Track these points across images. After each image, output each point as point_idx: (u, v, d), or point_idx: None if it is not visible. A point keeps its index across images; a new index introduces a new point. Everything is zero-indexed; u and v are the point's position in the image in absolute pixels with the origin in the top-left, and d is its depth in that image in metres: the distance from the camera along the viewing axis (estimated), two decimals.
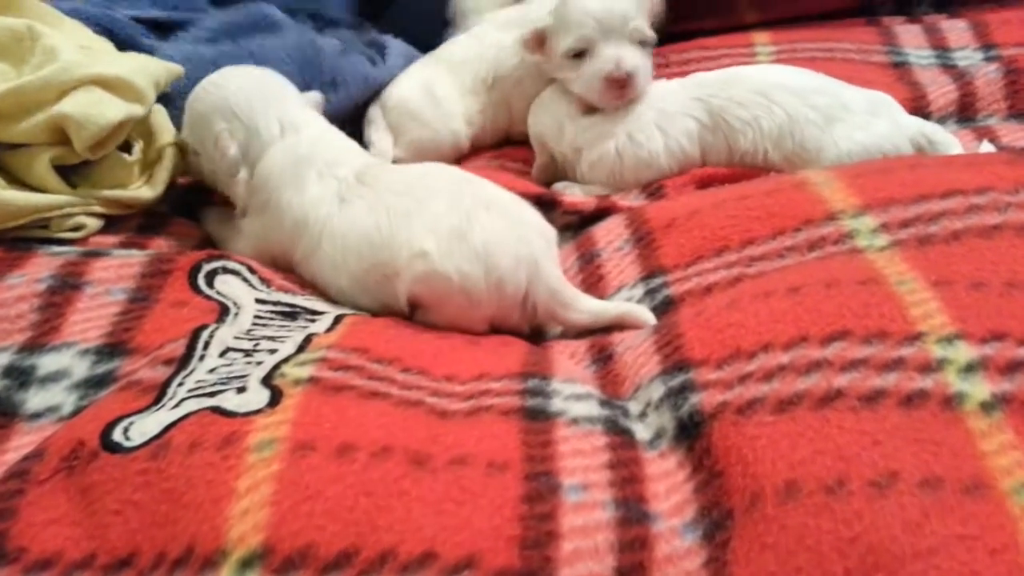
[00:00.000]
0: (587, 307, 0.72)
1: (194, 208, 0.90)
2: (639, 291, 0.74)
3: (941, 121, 1.03)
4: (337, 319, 0.68)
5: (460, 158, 1.05)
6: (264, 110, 0.81)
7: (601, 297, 0.75)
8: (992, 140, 0.94)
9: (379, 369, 0.59)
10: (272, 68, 0.88)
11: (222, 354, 0.61)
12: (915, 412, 0.50)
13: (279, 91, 0.84)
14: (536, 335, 0.73)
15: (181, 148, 0.87)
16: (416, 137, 1.03)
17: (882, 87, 0.96)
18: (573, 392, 0.58)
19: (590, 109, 0.95)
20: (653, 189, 0.91)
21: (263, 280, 0.73)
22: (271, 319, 0.68)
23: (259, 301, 0.70)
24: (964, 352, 0.53)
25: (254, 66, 0.88)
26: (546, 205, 0.88)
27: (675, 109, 0.92)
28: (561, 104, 0.96)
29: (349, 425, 0.52)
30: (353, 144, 0.84)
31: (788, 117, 0.88)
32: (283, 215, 0.77)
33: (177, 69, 0.91)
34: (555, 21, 0.94)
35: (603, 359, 0.66)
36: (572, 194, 0.92)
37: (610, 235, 0.82)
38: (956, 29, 1.16)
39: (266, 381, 0.56)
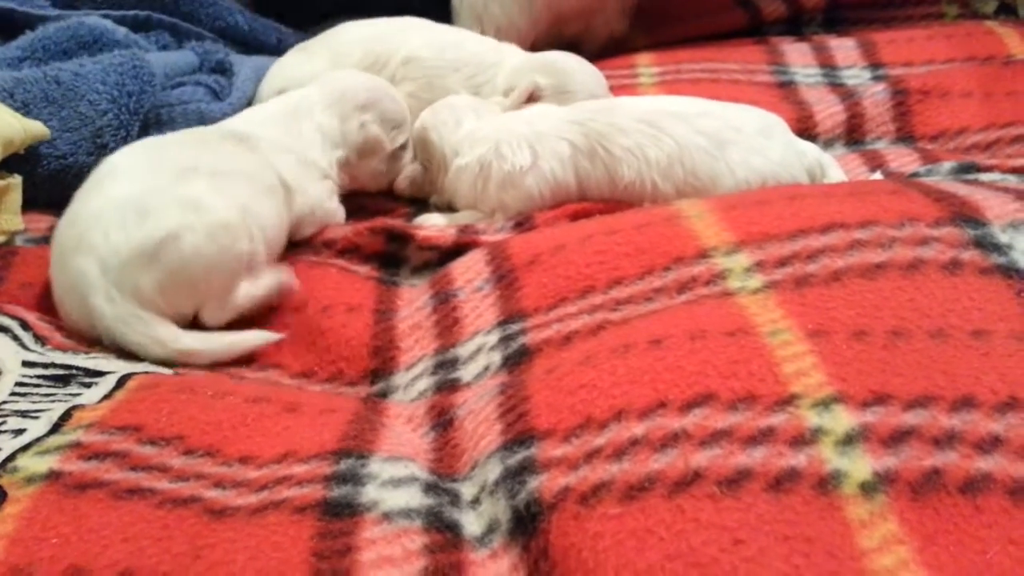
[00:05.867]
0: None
1: None
2: (494, 337, 0.64)
3: (829, 143, 0.98)
4: (121, 381, 0.56)
5: None
6: None
7: (454, 343, 0.65)
8: (880, 165, 0.89)
9: (151, 454, 0.48)
10: (81, 99, 0.78)
11: None
12: (784, 498, 0.42)
13: None
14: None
15: None
16: None
17: (767, 107, 0.90)
18: (392, 476, 0.48)
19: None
20: (521, 221, 0.82)
21: (38, 338, 0.61)
22: (36, 386, 0.56)
23: (27, 364, 0.58)
24: (842, 419, 0.45)
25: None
26: (399, 240, 0.79)
27: (548, 129, 0.85)
28: (471, 103, 0.91)
29: (85, 541, 0.41)
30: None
31: (677, 145, 0.81)
32: None
33: (39, 131, 0.78)
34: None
35: (443, 424, 0.56)
36: (431, 226, 0.83)
37: (469, 272, 0.72)
38: (844, 48, 1.12)
39: None
